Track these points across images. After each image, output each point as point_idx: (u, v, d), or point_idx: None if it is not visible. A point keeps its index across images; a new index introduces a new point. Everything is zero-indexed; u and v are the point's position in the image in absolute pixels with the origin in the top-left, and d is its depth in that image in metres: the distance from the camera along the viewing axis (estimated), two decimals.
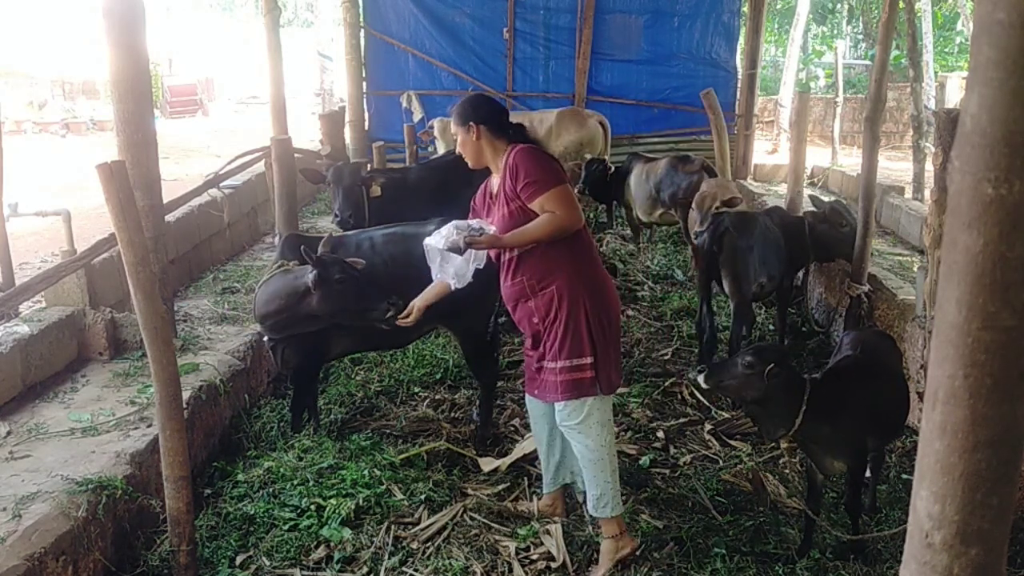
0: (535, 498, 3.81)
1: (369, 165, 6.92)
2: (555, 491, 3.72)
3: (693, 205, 5.68)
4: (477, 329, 4.44)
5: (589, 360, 3.27)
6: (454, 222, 3.32)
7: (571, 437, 3.42)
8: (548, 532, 3.52)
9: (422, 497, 3.74)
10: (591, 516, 3.47)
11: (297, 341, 4.16)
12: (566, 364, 3.29)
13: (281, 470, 3.83)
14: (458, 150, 3.49)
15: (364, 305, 3.77)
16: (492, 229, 3.28)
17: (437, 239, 3.27)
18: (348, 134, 10.07)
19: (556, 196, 3.21)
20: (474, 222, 3.32)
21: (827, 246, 5.54)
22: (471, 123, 3.36)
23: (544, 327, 3.33)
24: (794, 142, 7.01)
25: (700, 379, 3.20)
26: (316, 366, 4.40)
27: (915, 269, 5.88)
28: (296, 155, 6.44)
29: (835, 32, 27.21)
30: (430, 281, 3.68)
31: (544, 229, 3.23)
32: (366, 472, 3.83)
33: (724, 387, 3.22)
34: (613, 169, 7.83)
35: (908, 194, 8.78)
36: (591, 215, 8.68)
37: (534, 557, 3.40)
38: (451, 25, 10.36)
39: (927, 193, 7.26)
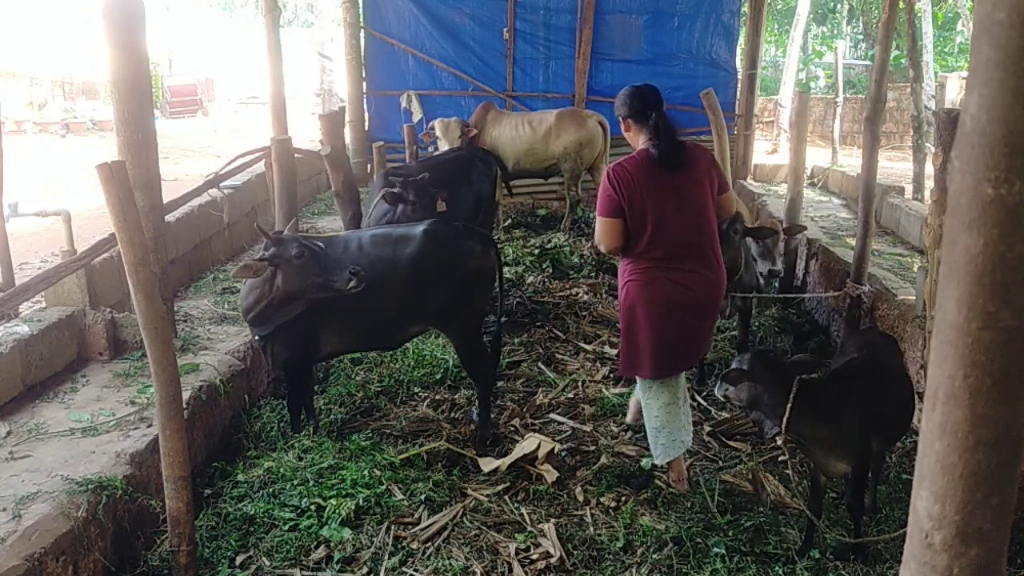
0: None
1: (369, 167, 6.90)
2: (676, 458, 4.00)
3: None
4: (470, 330, 4.44)
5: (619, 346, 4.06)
6: None
7: None
8: (543, 532, 3.53)
9: (422, 497, 3.74)
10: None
11: (285, 338, 4.18)
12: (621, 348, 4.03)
13: (281, 470, 3.83)
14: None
15: (327, 277, 3.88)
16: None
17: None
18: (348, 134, 10.08)
19: (596, 222, 3.79)
20: None
21: None
22: (620, 116, 3.80)
23: None
24: (794, 142, 7.01)
25: (716, 390, 3.44)
26: (306, 364, 4.40)
27: (915, 269, 5.88)
28: (296, 155, 6.43)
29: (835, 32, 27.23)
30: (415, 283, 4.10)
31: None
32: (366, 472, 3.83)
33: (727, 394, 3.37)
34: None
35: (908, 194, 8.77)
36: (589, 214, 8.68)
37: (534, 557, 3.40)
38: (451, 25, 10.35)
39: (927, 193, 7.26)
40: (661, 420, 3.90)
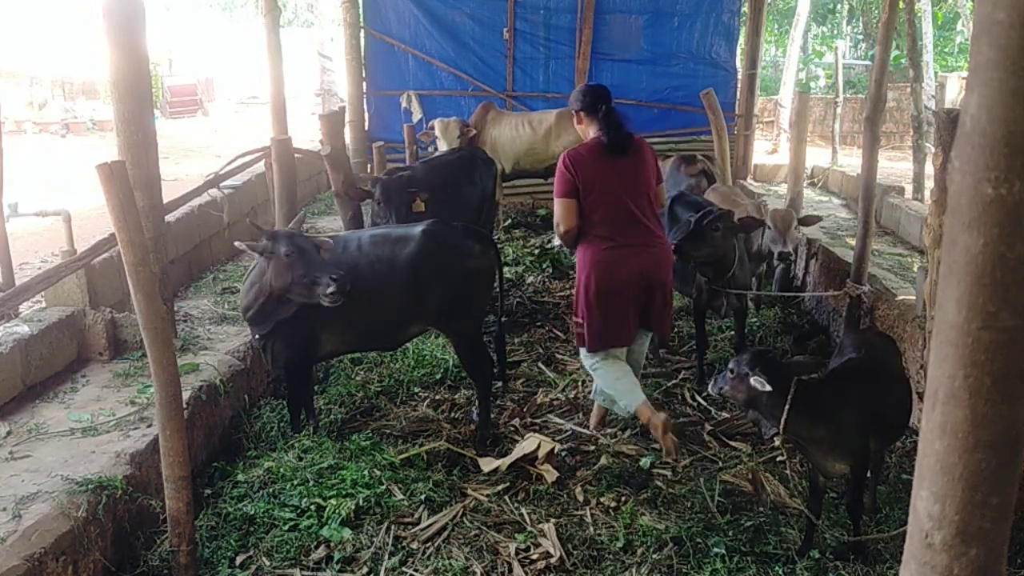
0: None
1: (369, 167, 6.90)
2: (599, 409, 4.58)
3: (769, 223, 5.50)
4: (470, 330, 4.44)
5: (579, 320, 4.30)
6: None
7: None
8: (543, 532, 3.53)
9: (422, 497, 3.74)
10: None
11: (285, 337, 4.18)
12: (574, 319, 4.43)
13: (281, 470, 3.83)
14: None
15: (308, 279, 3.84)
16: None
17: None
18: (348, 134, 10.07)
19: (555, 205, 4.25)
20: None
21: None
22: (574, 111, 4.29)
23: None
24: (794, 142, 7.02)
25: (709, 388, 3.49)
26: (305, 363, 4.37)
27: (915, 269, 5.88)
28: (296, 155, 6.43)
29: (835, 32, 27.23)
30: (414, 284, 4.17)
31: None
32: (366, 472, 3.83)
33: (723, 393, 3.40)
34: None
35: (908, 194, 8.77)
36: None
37: (534, 557, 3.40)
38: (451, 25, 10.35)
39: (927, 193, 7.26)
40: (617, 392, 4.28)
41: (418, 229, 4.31)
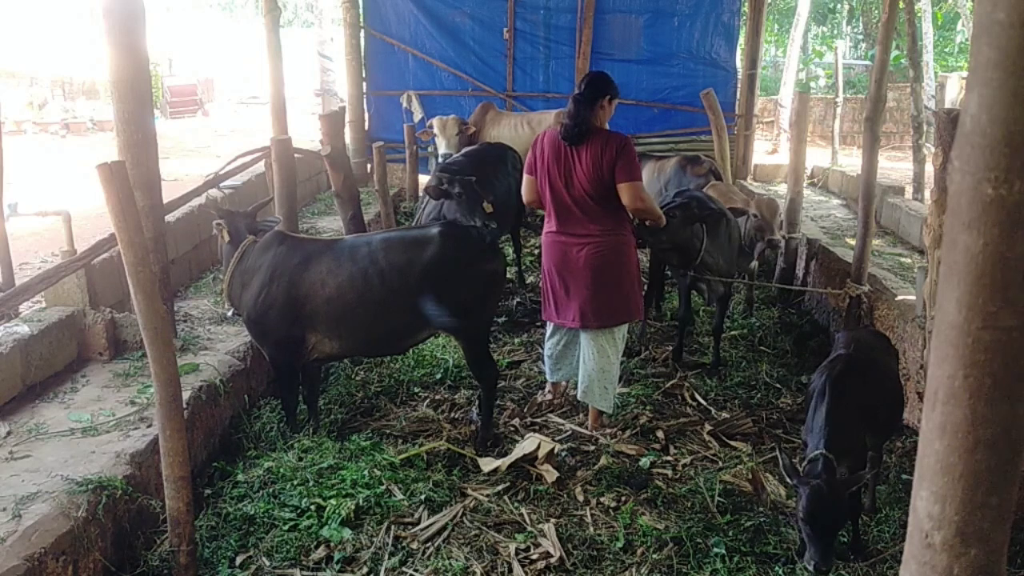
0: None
1: (369, 166, 6.83)
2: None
3: (755, 211, 5.81)
4: (480, 333, 4.42)
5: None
6: None
7: None
8: (543, 532, 3.53)
9: (422, 497, 3.74)
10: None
11: (266, 332, 4.18)
12: None
13: (281, 470, 3.83)
14: None
15: None
16: None
17: None
18: (348, 134, 10.07)
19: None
20: None
21: None
22: None
23: None
24: (794, 142, 7.02)
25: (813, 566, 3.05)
26: (291, 361, 4.27)
27: (915, 269, 5.88)
28: (296, 155, 6.43)
29: (835, 32, 27.23)
30: (431, 295, 4.06)
31: None
32: (366, 472, 3.82)
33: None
34: None
35: (908, 194, 8.77)
36: None
37: (534, 557, 3.40)
38: (451, 25, 10.36)
39: (927, 193, 7.26)
40: (549, 353, 4.76)
41: (434, 231, 4.21)
